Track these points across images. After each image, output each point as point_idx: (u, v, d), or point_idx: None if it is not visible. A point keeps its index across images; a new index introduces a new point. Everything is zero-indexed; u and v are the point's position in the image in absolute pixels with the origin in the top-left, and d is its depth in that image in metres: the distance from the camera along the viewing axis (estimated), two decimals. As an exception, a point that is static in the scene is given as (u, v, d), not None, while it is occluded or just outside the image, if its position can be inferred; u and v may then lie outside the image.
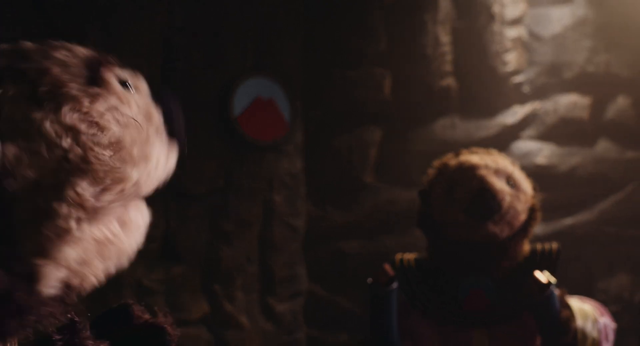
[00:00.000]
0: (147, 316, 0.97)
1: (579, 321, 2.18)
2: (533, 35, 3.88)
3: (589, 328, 2.19)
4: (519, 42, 3.84)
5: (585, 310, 2.22)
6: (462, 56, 3.81)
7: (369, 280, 2.29)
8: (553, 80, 3.89)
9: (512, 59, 3.83)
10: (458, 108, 3.85)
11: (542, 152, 3.89)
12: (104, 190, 0.85)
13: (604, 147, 3.94)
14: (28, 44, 0.91)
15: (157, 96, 0.96)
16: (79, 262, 0.84)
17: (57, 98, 0.84)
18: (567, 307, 2.20)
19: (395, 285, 2.25)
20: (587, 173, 3.90)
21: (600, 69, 3.90)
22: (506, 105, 3.87)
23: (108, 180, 0.84)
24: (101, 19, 3.25)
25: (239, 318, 3.59)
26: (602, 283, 3.79)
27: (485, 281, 2.26)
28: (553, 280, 2.15)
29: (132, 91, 0.92)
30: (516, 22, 3.85)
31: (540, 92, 3.89)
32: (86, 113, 0.85)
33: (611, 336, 2.24)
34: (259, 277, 3.66)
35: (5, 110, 0.81)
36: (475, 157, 2.30)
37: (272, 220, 3.68)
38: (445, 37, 3.79)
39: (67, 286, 0.85)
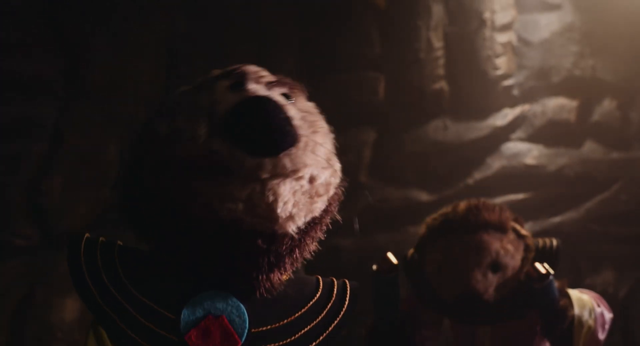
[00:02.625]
0: None
1: (577, 310, 2.27)
2: (522, 40, 3.96)
3: (585, 316, 2.27)
4: (508, 47, 3.92)
5: (583, 300, 2.31)
6: (454, 60, 3.89)
7: (373, 267, 2.37)
8: (541, 83, 3.98)
9: (502, 63, 3.90)
10: (450, 111, 3.93)
11: (531, 153, 3.97)
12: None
13: (590, 148, 4.02)
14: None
15: None
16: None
17: None
18: (566, 296, 2.29)
19: (397, 272, 2.33)
20: (574, 173, 3.98)
21: (586, 73, 3.99)
22: (496, 107, 3.95)
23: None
24: (107, 25, 3.34)
25: (239, 312, 3.64)
26: (589, 279, 3.88)
27: None
28: (552, 271, 2.25)
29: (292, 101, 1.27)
30: (506, 27, 3.92)
31: (529, 95, 3.97)
32: None
33: (607, 325, 2.33)
34: (258, 272, 3.71)
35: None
36: (461, 248, 2.29)
37: (270, 217, 3.72)
38: (438, 42, 3.87)
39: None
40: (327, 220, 1.28)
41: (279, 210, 1.14)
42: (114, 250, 1.25)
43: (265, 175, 1.13)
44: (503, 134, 3.96)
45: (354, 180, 3.83)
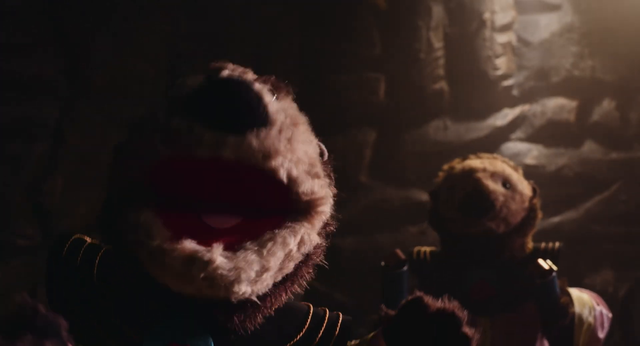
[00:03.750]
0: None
1: (577, 308, 2.32)
2: (522, 40, 3.98)
3: (585, 314, 2.32)
4: (508, 47, 3.93)
5: (583, 298, 2.36)
6: (454, 61, 3.90)
7: (382, 263, 2.42)
8: (541, 84, 3.99)
9: (502, 64, 3.91)
10: (450, 111, 3.94)
11: (531, 153, 3.98)
12: None
13: (589, 148, 4.03)
14: None
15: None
16: None
17: None
18: (567, 294, 2.34)
19: (405, 267, 2.39)
20: (573, 173, 3.99)
21: (586, 74, 4.00)
22: (496, 107, 3.96)
23: None
24: (108, 25, 3.35)
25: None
26: (589, 278, 3.88)
27: (490, 274, 2.39)
28: (554, 267, 2.28)
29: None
30: (506, 28, 3.93)
31: (528, 96, 3.98)
32: None
33: (606, 324, 2.38)
34: (258, 272, 3.71)
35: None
36: (476, 162, 2.45)
37: (271, 217, 3.73)
38: (438, 43, 3.88)
39: None
40: (308, 270, 1.14)
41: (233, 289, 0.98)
42: (97, 255, 1.16)
43: (228, 154, 0.96)
44: (503, 134, 3.97)
45: (354, 180, 3.84)
